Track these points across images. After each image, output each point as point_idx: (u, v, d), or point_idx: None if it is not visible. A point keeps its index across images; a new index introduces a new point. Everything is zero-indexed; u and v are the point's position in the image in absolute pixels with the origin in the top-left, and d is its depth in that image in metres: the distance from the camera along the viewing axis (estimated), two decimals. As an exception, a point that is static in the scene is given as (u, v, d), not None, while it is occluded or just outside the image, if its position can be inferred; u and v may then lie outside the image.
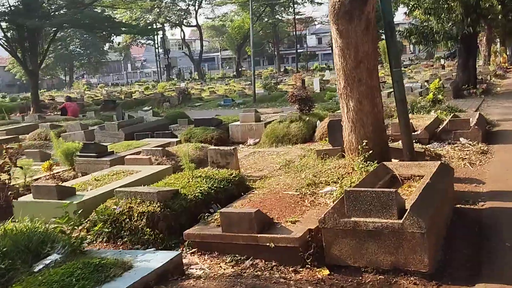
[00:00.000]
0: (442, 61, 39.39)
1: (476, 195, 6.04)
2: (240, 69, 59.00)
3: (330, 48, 63.83)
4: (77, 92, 42.13)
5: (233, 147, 7.22)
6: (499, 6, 20.28)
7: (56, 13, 26.61)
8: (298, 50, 58.79)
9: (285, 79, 37.65)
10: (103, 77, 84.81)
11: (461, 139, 8.74)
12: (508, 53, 36.89)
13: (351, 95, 6.13)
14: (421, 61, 48.62)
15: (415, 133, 9.06)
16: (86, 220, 5.24)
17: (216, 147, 7.28)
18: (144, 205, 5.07)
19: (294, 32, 59.15)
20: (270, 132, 10.21)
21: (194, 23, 59.97)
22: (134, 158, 7.89)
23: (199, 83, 45.48)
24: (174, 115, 14.72)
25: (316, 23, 70.71)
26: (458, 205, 5.67)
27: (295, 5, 56.46)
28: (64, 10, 26.78)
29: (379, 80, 6.23)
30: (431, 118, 10.25)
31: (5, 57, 55.15)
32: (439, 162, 5.55)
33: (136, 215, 5.02)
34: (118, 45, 64.65)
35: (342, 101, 6.30)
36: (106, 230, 4.98)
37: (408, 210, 3.99)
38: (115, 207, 5.13)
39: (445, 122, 9.51)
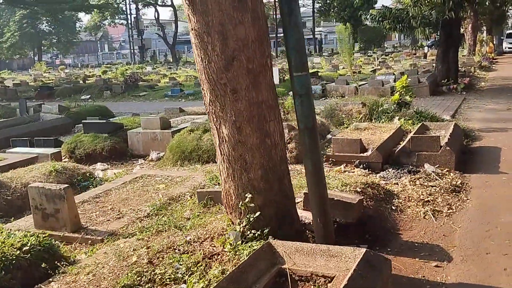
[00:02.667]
0: (426, 50, 36.75)
1: (434, 291, 3.54)
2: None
3: (311, 32, 61.03)
4: (34, 74, 38.71)
5: (64, 186, 4.57)
6: (487, -11, 17.72)
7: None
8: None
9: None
10: (78, 57, 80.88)
11: (426, 165, 6.21)
12: (495, 42, 34.52)
13: (223, 116, 3.52)
14: (405, 48, 46.02)
15: (365, 154, 6.54)
16: None
17: (40, 185, 4.63)
18: None
19: (274, 15, 55.85)
20: (176, 145, 7.54)
21: (170, 2, 56.51)
22: None
23: (170, 67, 42.32)
24: (90, 111, 11.89)
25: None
26: (399, 324, 3.16)
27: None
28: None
29: (274, 91, 3.60)
30: (391, 129, 7.71)
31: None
32: (364, 250, 3.00)
33: None
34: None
35: (212, 125, 3.70)
36: None
37: None
38: None
39: (407, 139, 6.95)
